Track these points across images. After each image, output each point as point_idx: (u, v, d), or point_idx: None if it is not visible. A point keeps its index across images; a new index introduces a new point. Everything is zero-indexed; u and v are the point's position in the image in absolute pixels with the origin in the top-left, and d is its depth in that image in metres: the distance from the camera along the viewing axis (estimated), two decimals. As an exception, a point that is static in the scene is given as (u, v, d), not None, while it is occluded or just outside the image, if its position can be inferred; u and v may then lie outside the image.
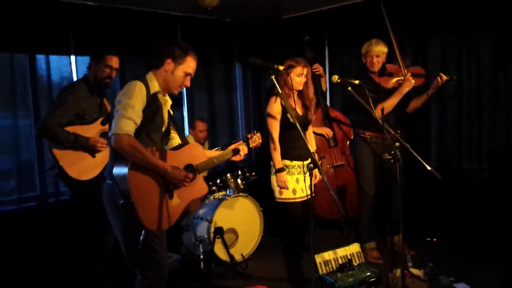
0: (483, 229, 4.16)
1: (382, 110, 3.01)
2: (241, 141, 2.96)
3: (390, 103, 3.76)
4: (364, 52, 3.92)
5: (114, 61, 3.27)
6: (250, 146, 2.97)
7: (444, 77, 3.67)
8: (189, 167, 2.57)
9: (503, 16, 4.04)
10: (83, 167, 3.18)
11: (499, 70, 4.24)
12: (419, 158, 2.86)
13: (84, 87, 3.23)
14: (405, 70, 3.80)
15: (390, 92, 3.83)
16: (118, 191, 2.29)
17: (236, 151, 2.88)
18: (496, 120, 4.30)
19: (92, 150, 3.21)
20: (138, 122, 2.29)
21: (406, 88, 3.74)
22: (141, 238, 2.33)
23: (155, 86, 2.41)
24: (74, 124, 3.17)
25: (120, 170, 2.28)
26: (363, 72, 3.97)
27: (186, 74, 2.47)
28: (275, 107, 3.37)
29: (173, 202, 2.45)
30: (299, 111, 3.45)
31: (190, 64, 2.46)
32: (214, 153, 2.81)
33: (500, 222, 4.07)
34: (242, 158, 2.91)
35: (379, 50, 3.84)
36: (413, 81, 3.74)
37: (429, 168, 2.83)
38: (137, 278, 2.50)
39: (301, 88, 3.40)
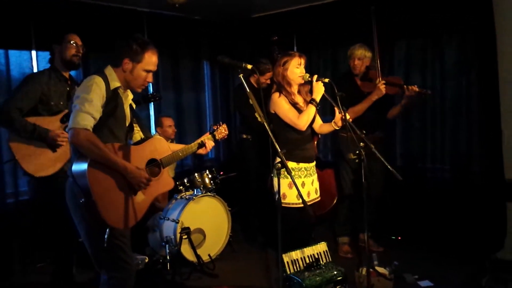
0: (446, 227, 4.27)
1: (344, 110, 3.02)
2: (208, 133, 2.92)
3: (358, 108, 3.84)
4: (348, 54, 4.01)
5: (76, 38, 3.16)
6: (216, 137, 2.93)
7: (413, 88, 3.73)
8: (153, 162, 2.52)
9: (467, 20, 4.15)
10: (40, 162, 3.00)
11: (461, 74, 4.36)
12: (382, 158, 2.91)
13: (49, 73, 3.10)
14: (380, 78, 3.85)
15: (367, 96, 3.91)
16: (78, 189, 2.22)
17: (202, 145, 2.84)
18: (458, 122, 4.42)
19: (52, 144, 3.01)
20: (97, 116, 2.22)
21: (375, 96, 3.79)
22: (106, 236, 2.26)
23: (115, 81, 2.35)
24: (38, 112, 3.01)
25: (79, 167, 2.21)
26: (348, 74, 4.09)
27: (147, 71, 2.39)
28: (282, 100, 3.26)
29: (138, 198, 2.38)
30: (303, 106, 3.32)
31: (149, 61, 2.38)
32: (179, 146, 2.76)
33: (462, 220, 4.18)
34: (208, 150, 2.86)
35: (361, 53, 3.93)
36: (383, 90, 3.76)
37: (391, 168, 2.87)
38: (102, 277, 2.43)
39: (303, 80, 3.27)
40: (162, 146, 2.61)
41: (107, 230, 2.26)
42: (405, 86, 3.81)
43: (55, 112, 3.10)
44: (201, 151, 2.85)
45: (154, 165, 2.51)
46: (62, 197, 2.76)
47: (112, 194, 2.26)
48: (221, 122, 3.02)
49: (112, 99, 2.32)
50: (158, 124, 4.69)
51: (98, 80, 2.26)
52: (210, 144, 2.86)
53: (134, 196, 2.36)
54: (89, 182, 2.15)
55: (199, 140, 2.86)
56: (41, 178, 3.01)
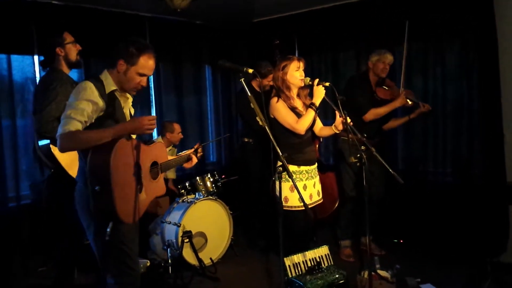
0: (448, 230, 4.26)
1: (345, 114, 3.04)
2: (193, 149, 3.02)
3: (381, 111, 3.94)
4: (375, 59, 4.01)
5: (70, 36, 3.19)
6: (197, 155, 3.02)
7: (428, 106, 3.94)
8: (154, 165, 2.55)
9: (468, 23, 4.16)
10: None
11: (463, 77, 4.36)
12: (383, 162, 2.91)
13: (63, 75, 3.11)
14: (402, 88, 4.00)
15: (381, 102, 3.98)
16: (93, 178, 2.18)
17: (189, 158, 2.94)
18: (460, 125, 4.41)
19: None
20: (82, 119, 2.20)
21: (398, 103, 3.88)
22: (108, 230, 2.24)
23: (110, 85, 2.35)
24: None
25: (99, 156, 2.18)
26: (365, 76, 4.12)
27: (140, 75, 2.37)
28: (280, 105, 3.28)
29: (142, 196, 2.40)
30: (303, 110, 3.34)
31: (144, 64, 2.35)
32: (171, 156, 2.87)
33: (464, 223, 4.18)
34: (192, 165, 2.96)
35: (391, 59, 4.01)
36: (405, 99, 3.89)
37: (392, 172, 2.87)
38: (108, 281, 2.43)
39: (302, 83, 3.29)
40: (163, 152, 2.69)
41: (110, 224, 2.24)
42: (420, 103, 3.95)
43: None
44: (187, 164, 2.94)
45: (155, 168, 2.55)
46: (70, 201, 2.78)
47: (125, 187, 2.26)
48: (199, 143, 3.14)
49: (110, 103, 2.33)
50: (168, 129, 4.67)
51: (87, 85, 2.26)
52: (194, 160, 2.96)
53: (139, 193, 2.38)
54: (111, 169, 2.13)
55: (188, 152, 2.96)
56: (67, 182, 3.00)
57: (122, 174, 2.22)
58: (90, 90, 2.25)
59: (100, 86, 2.29)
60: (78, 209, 2.39)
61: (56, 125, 2.89)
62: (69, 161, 3.02)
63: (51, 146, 2.99)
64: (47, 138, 2.99)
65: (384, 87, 4.10)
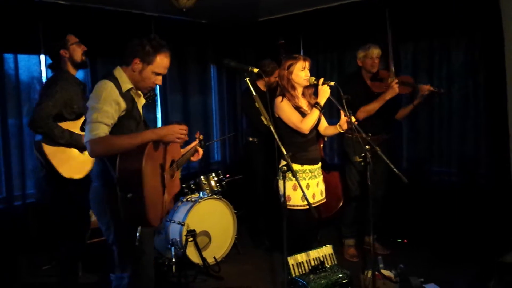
0: (453, 230, 4.24)
1: (350, 113, 3.03)
2: (197, 141, 3.01)
3: (371, 107, 3.84)
4: (362, 55, 3.94)
5: (74, 37, 3.21)
6: (202, 146, 3.04)
7: (427, 87, 3.77)
8: (172, 163, 2.55)
9: (474, 22, 4.14)
10: (73, 167, 3.06)
11: (469, 76, 4.34)
12: (388, 161, 2.90)
13: (66, 77, 3.13)
14: (393, 77, 3.87)
15: (378, 96, 3.89)
16: (125, 185, 2.12)
17: (195, 150, 2.94)
18: (466, 124, 4.39)
19: (83, 147, 3.03)
20: (109, 122, 2.17)
21: (388, 95, 3.77)
22: (138, 234, 2.23)
23: (126, 83, 2.30)
24: (64, 117, 3.05)
25: (130, 163, 2.13)
26: (357, 74, 4.07)
27: (156, 74, 2.35)
28: (285, 104, 3.27)
29: (165, 197, 2.38)
30: (307, 109, 3.34)
31: (160, 64, 2.32)
32: (183, 150, 2.85)
33: (468, 223, 4.16)
34: (199, 158, 2.96)
35: (378, 52, 3.91)
36: (397, 89, 3.75)
37: (396, 171, 2.87)
38: (111, 275, 2.45)
39: (308, 83, 3.28)
40: (178, 147, 2.67)
41: (139, 228, 2.24)
42: (420, 85, 3.82)
43: (78, 115, 3.15)
44: (194, 157, 2.93)
45: (173, 167, 2.56)
46: (75, 200, 2.79)
47: (154, 191, 2.25)
48: (198, 132, 3.11)
49: (129, 102, 2.30)
50: None
51: (108, 85, 2.21)
52: (201, 152, 2.96)
53: (163, 195, 2.37)
54: (143, 176, 2.09)
55: (194, 144, 2.94)
56: (75, 181, 3.04)
57: (151, 179, 2.20)
58: (112, 90, 2.21)
59: (117, 85, 2.25)
60: (94, 210, 2.37)
61: (49, 121, 2.93)
62: (59, 159, 3.03)
63: (42, 143, 3.00)
64: (39, 133, 3.01)
65: (378, 80, 3.99)
